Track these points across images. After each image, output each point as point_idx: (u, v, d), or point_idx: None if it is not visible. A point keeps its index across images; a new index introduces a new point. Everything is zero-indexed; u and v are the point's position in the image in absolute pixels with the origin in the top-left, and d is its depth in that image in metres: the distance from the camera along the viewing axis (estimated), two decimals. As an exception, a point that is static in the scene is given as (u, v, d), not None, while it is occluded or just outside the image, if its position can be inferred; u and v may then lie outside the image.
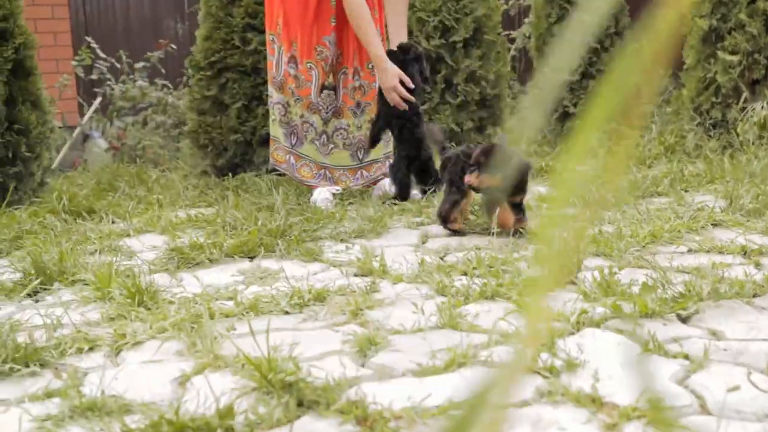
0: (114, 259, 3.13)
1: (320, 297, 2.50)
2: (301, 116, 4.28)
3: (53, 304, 2.60)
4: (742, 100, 5.28)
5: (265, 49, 4.50)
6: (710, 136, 5.40)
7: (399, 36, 4.35)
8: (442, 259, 3.06)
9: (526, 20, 8.41)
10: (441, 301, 2.37)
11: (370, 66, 4.25)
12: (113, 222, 4.07)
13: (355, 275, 2.79)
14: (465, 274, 2.74)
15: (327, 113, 4.30)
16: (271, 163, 4.46)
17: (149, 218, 4.03)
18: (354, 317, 2.32)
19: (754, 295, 2.35)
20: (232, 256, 3.15)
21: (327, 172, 4.37)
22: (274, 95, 4.32)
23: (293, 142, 4.36)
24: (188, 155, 5.33)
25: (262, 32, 5.08)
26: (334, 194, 4.35)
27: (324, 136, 4.33)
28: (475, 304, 2.39)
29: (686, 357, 1.87)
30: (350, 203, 4.23)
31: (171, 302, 2.53)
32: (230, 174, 5.10)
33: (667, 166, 4.88)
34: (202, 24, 5.19)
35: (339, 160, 4.37)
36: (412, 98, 4.13)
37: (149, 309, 2.44)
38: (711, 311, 2.24)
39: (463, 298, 2.43)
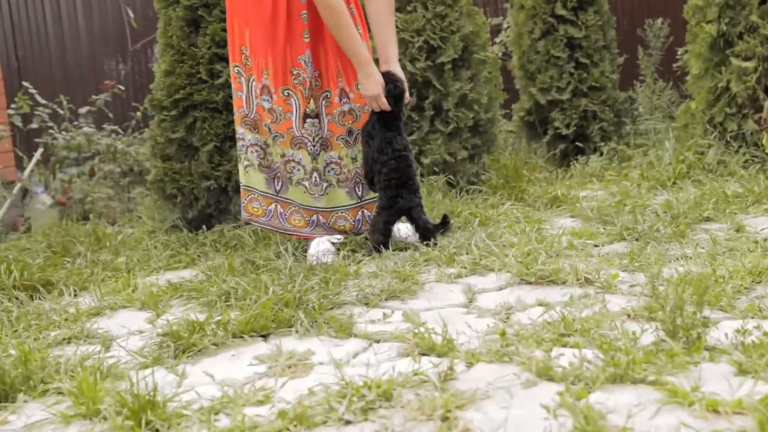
0: (92, 350, 2.46)
1: (386, 394, 1.87)
2: (283, 155, 3.65)
3: (21, 430, 1.92)
4: (766, 110, 4.81)
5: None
6: (730, 150, 4.91)
7: (389, 53, 3.75)
8: (506, 321, 2.45)
9: (497, 39, 7.92)
10: (556, 391, 1.76)
11: (359, 86, 3.62)
12: (76, 295, 3.39)
13: (421, 354, 2.16)
14: (560, 344, 2.13)
15: (315, 146, 3.67)
16: (244, 218, 3.81)
17: (121, 289, 3.35)
18: (446, 425, 1.69)
19: None
20: (242, 336, 2.50)
21: (320, 217, 3.73)
22: (247, 137, 3.69)
23: (278, 187, 3.73)
24: (153, 208, 4.66)
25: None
26: (334, 244, 3.72)
27: (315, 174, 3.69)
28: (604, 392, 1.78)
29: None
30: (351, 250, 3.59)
31: (183, 415, 1.88)
32: (204, 227, 4.43)
33: (700, 187, 4.36)
34: (162, 57, 4.54)
35: (335, 201, 3.73)
36: (388, 107, 3.57)
37: (158, 431, 1.79)
38: None
39: (583, 383, 1.82)
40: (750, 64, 4.92)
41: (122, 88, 7.16)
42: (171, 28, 4.47)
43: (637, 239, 3.34)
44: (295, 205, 3.70)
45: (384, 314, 2.58)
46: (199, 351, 2.41)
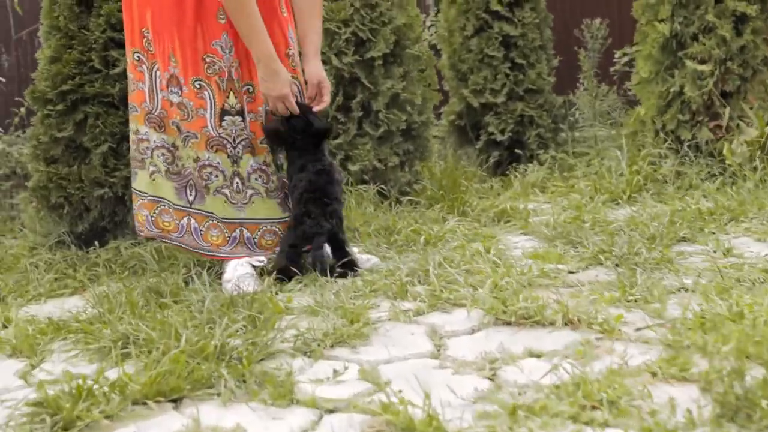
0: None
1: None
2: (197, 159, 3.02)
3: None
4: (727, 116, 4.42)
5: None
6: (686, 160, 4.51)
7: (310, 44, 3.18)
8: (492, 378, 1.90)
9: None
10: None
11: (261, 85, 3.01)
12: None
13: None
14: (584, 421, 1.59)
15: (235, 148, 3.04)
16: (147, 234, 3.19)
17: (-13, 325, 2.66)
18: None
19: None
20: (145, 402, 1.87)
21: (245, 231, 3.10)
22: (152, 137, 3.06)
23: (191, 198, 3.09)
24: (36, 219, 3.93)
25: (132, 50, 3.78)
26: (255, 267, 3.11)
27: (237, 179, 3.07)
28: None
29: None
30: (277, 278, 2.98)
31: None
32: (97, 243, 3.73)
33: (665, 202, 3.92)
34: (46, 42, 3.82)
35: (264, 212, 3.10)
36: (296, 110, 3.00)
37: None
38: None
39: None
40: (706, 68, 4.53)
41: (2, 80, 6.33)
42: (58, 7, 3.76)
43: (617, 264, 2.84)
44: (214, 219, 3.07)
45: (334, 370, 1.99)
46: (86, 426, 1.77)
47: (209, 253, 3.11)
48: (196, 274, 2.98)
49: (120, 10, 3.61)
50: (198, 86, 2.97)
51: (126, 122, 3.70)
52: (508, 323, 2.29)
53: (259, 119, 3.03)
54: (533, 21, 5.61)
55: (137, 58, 3.04)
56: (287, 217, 3.08)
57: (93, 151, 3.74)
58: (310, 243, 2.95)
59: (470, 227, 3.74)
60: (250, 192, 3.06)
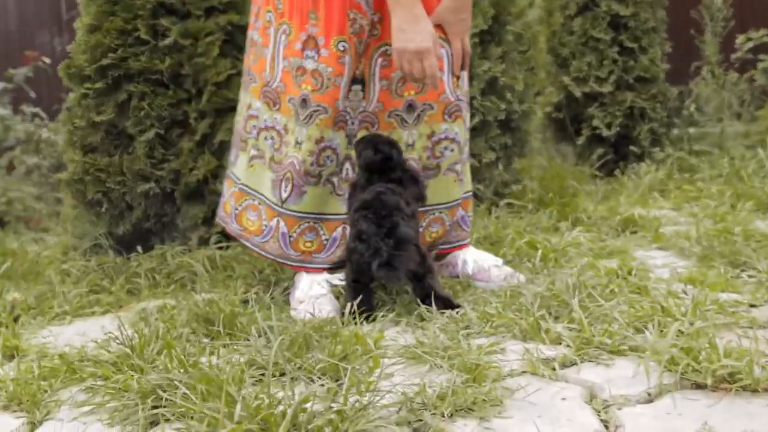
0: None
1: None
2: (320, 140, 2.39)
3: None
4: None
5: (214, 44, 2.66)
6: None
7: None
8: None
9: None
10: None
11: (393, 36, 2.35)
12: None
13: None
14: None
15: (353, 125, 2.44)
16: (225, 224, 2.61)
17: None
18: None
19: None
20: None
21: (348, 230, 2.46)
22: (262, 114, 2.47)
23: (284, 194, 2.45)
24: (71, 218, 3.34)
25: (184, 16, 3.15)
26: (335, 286, 2.46)
27: (347, 164, 2.45)
28: None
29: None
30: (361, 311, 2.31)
31: None
32: (139, 248, 3.11)
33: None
34: (86, 7, 3.22)
35: None
36: (436, 75, 2.29)
37: None
38: None
39: None
40: None
41: (47, 60, 5.78)
42: (99, -35, 3.16)
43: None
44: (309, 219, 2.44)
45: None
46: None
47: (297, 265, 2.47)
48: (257, 293, 2.34)
49: (172, -32, 3.01)
50: (342, 49, 2.34)
51: (176, 104, 3.10)
52: (701, 387, 1.59)
53: (391, 87, 2.42)
54: (646, -1, 4.86)
55: (268, 19, 2.43)
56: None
57: (137, 138, 3.12)
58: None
59: (592, 238, 3.03)
60: None
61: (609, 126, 4.84)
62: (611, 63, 4.85)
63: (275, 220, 2.46)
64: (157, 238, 3.21)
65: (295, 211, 2.44)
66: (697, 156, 4.63)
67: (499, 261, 2.59)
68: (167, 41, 3.09)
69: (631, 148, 4.79)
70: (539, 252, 2.70)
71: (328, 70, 2.34)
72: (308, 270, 2.47)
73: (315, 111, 2.37)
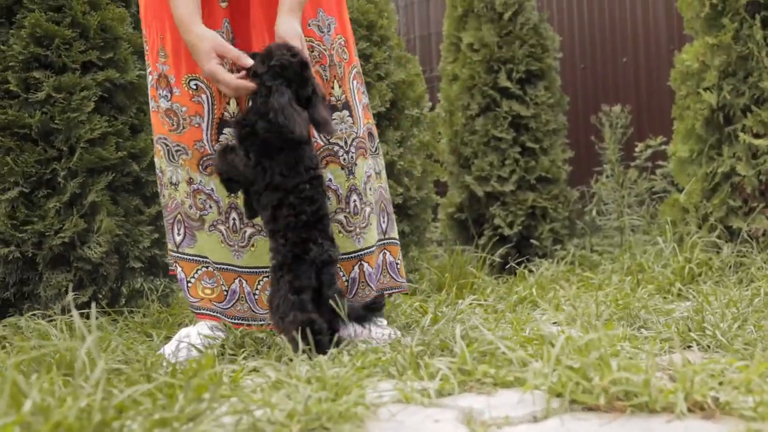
0: None
1: None
2: (190, 182, 2.22)
3: None
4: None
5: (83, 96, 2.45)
6: (742, 251, 3.69)
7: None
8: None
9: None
10: None
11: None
12: None
13: None
14: None
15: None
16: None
17: None
18: None
19: None
20: None
21: (245, 284, 2.26)
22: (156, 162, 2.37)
23: (177, 237, 2.28)
24: None
25: (60, 71, 2.96)
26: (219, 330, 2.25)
27: (234, 214, 2.24)
28: None
29: None
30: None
31: None
32: (-6, 317, 2.80)
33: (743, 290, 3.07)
34: (-47, 60, 3.01)
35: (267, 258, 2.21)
36: (251, 85, 2.09)
37: None
38: None
39: None
40: (764, 142, 3.78)
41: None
42: (-29, 18, 2.98)
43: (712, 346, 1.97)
44: (208, 265, 2.26)
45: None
46: None
47: (195, 311, 2.32)
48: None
49: (48, 20, 2.86)
50: (194, 87, 2.19)
51: (45, 161, 2.87)
52: (592, 408, 1.39)
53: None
54: (547, 101, 4.88)
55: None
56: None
57: (-1, 197, 2.86)
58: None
59: (491, 310, 2.86)
60: (248, 231, 2.32)
61: (511, 225, 4.75)
62: (513, 162, 4.81)
63: (174, 266, 2.31)
64: (15, 309, 2.91)
65: (190, 255, 2.25)
66: (599, 255, 4.57)
67: (383, 321, 2.39)
68: (40, 95, 2.88)
69: (533, 241, 4.70)
70: (429, 317, 2.51)
71: (182, 109, 2.19)
72: (206, 317, 2.27)
73: (177, 151, 2.21)
